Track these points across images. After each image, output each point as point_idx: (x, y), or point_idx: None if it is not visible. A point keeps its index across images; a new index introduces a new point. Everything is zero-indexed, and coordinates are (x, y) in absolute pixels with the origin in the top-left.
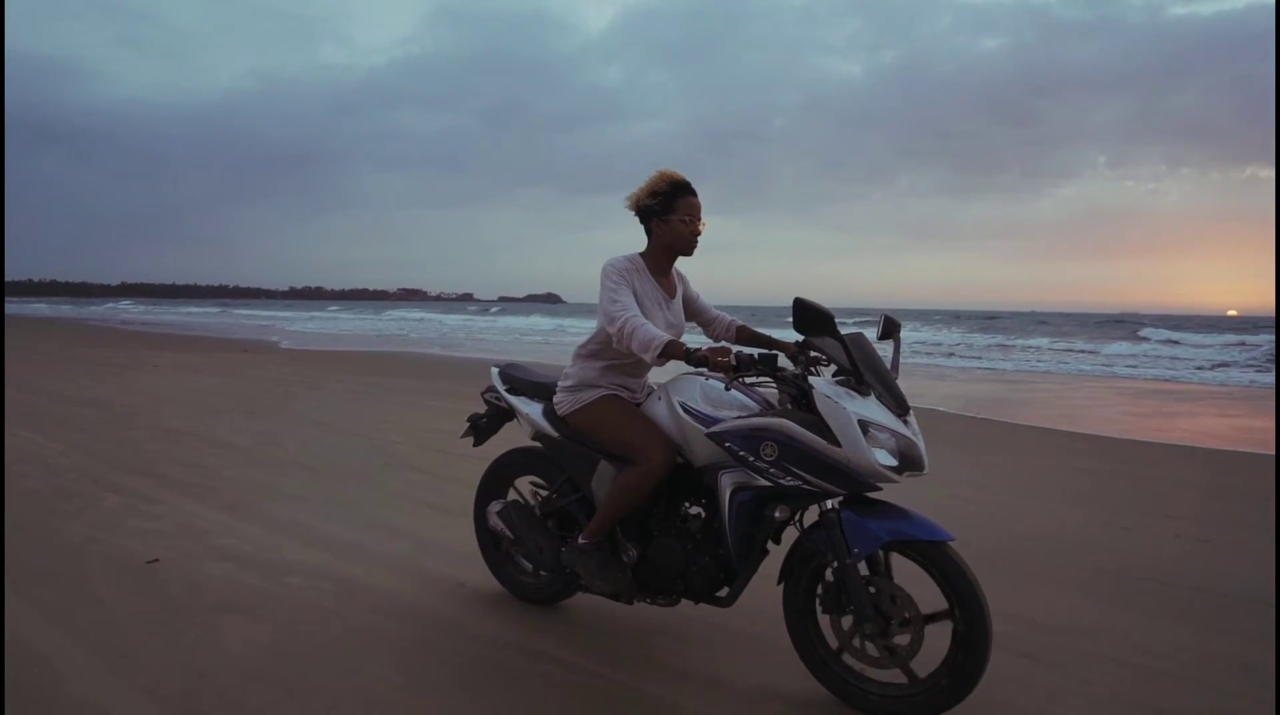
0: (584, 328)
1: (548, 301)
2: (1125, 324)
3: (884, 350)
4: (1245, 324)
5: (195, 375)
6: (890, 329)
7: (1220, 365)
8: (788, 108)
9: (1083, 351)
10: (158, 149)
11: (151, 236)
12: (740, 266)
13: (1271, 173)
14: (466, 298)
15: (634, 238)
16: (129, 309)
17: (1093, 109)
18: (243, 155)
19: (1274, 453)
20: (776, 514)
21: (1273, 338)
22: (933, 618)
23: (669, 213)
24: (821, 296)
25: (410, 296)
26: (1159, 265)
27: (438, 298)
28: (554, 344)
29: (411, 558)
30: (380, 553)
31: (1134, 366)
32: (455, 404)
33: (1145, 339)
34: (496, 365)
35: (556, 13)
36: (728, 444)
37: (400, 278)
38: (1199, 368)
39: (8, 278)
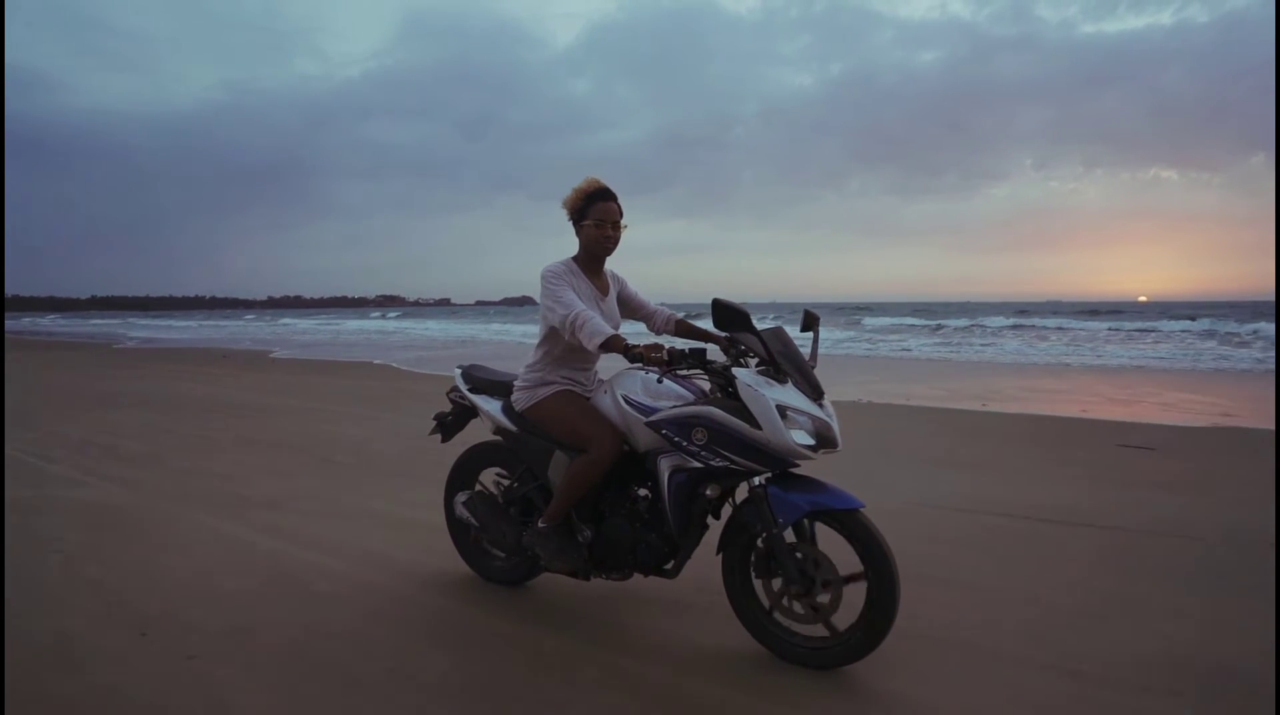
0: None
1: (521, 304)
2: (861, 312)
3: (804, 342)
4: (1148, 309)
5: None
6: (810, 322)
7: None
8: (746, 116)
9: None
10: (130, 160)
11: (126, 249)
12: (708, 266)
13: (1172, 173)
14: (444, 302)
15: None
16: (42, 322)
17: (1019, 116)
18: (218, 166)
19: (1274, 445)
20: (709, 492)
21: (1052, 323)
22: (850, 579)
23: (584, 218)
24: (782, 292)
25: (388, 303)
26: (1080, 256)
27: (415, 303)
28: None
29: None
30: None
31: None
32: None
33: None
34: (460, 366)
35: (525, 28)
36: (664, 431)
37: (380, 285)
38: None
39: None
